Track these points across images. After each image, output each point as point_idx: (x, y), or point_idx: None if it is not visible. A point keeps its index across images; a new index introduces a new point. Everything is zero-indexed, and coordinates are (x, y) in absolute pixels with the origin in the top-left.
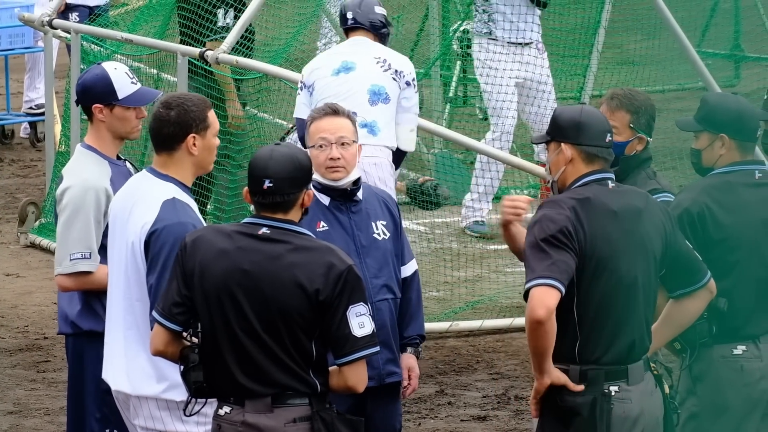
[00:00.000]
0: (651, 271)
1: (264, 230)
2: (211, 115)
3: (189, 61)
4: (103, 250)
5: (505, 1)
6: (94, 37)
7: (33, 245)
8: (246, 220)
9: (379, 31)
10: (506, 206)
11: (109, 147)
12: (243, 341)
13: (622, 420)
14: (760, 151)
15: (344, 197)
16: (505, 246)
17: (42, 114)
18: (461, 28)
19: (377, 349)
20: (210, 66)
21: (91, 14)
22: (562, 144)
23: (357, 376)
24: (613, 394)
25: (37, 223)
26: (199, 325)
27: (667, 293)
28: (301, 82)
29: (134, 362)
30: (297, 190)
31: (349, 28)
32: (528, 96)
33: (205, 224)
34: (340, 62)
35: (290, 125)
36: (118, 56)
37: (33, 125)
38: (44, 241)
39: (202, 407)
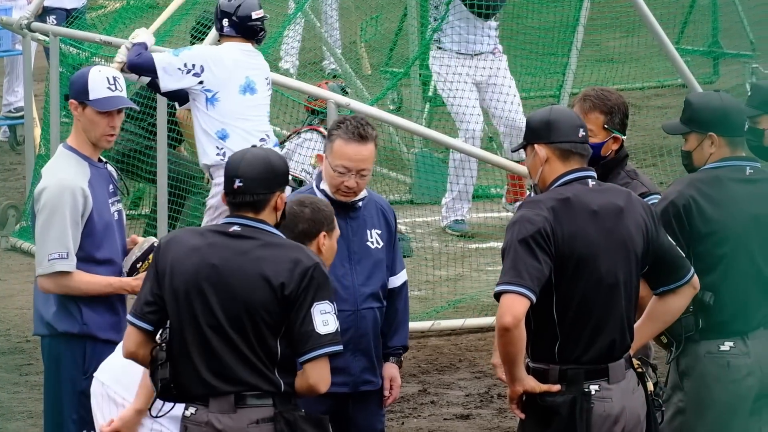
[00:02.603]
0: (632, 269)
1: (235, 228)
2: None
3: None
4: (81, 252)
5: (456, 12)
6: (72, 40)
7: (14, 248)
8: (221, 220)
9: (257, 37)
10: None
11: (90, 148)
12: (209, 337)
13: (602, 418)
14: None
15: (345, 204)
16: (487, 244)
17: (21, 117)
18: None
19: (340, 347)
20: None
21: (68, 17)
22: (536, 145)
23: (318, 375)
24: (593, 393)
25: (18, 226)
26: (168, 322)
27: (651, 290)
28: (194, 67)
29: None
30: (268, 191)
31: (225, 35)
32: (491, 100)
33: None
34: (244, 78)
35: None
36: (96, 58)
37: (12, 128)
38: (25, 244)
39: (171, 409)
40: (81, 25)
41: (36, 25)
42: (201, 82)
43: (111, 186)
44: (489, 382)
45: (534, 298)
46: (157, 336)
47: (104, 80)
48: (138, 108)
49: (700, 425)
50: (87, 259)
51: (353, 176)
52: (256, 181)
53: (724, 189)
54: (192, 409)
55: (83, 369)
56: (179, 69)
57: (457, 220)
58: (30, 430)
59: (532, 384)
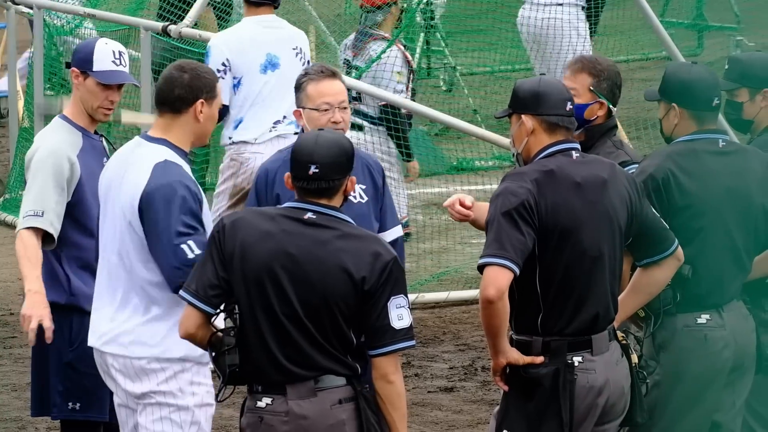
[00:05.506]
0: (616, 241)
1: (309, 215)
2: (219, 87)
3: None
4: (69, 217)
5: None
6: (56, 12)
7: None
8: (289, 204)
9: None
10: (452, 212)
11: (86, 119)
12: (285, 325)
13: (586, 390)
14: (724, 121)
15: None
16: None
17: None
18: (425, 0)
19: (413, 342)
20: (173, 40)
21: None
22: (523, 115)
23: (389, 368)
24: (576, 364)
25: (1, 199)
26: (236, 307)
27: (635, 262)
28: (224, 65)
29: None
30: (342, 176)
31: (253, 3)
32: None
33: (197, 186)
34: (264, 56)
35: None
36: (81, 31)
37: None
38: (9, 217)
39: (232, 393)
40: None
41: None
42: (233, 75)
43: (106, 159)
44: (473, 354)
45: (517, 271)
46: (218, 320)
47: (110, 53)
48: (139, 84)
49: (674, 398)
50: (78, 226)
51: (337, 110)
52: (332, 166)
53: (700, 162)
54: (267, 400)
55: (69, 340)
56: (225, 77)
57: None
58: (14, 403)
59: (515, 356)
